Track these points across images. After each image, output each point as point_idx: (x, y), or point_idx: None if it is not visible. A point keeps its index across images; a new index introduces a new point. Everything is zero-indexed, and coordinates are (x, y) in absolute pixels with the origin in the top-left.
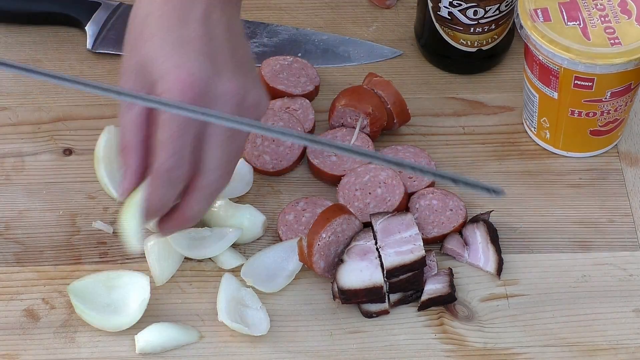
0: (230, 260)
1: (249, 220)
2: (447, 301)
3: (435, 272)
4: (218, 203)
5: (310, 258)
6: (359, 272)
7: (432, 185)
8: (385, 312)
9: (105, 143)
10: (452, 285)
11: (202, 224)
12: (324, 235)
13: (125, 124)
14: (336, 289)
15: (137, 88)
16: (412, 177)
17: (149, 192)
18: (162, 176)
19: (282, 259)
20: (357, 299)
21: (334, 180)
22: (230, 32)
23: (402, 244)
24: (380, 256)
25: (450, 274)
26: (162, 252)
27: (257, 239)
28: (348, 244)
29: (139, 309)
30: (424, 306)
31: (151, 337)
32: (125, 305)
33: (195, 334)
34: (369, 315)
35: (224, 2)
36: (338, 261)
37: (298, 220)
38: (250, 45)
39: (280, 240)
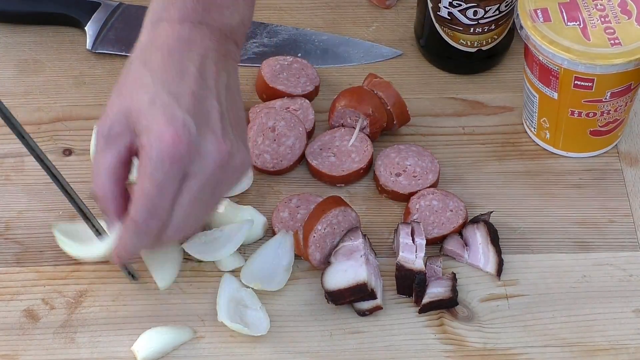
0: (229, 261)
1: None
2: (448, 305)
3: (439, 276)
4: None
5: (306, 250)
6: (344, 273)
7: (433, 185)
8: (378, 308)
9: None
10: (454, 289)
11: (208, 226)
12: (319, 227)
13: (100, 169)
14: (327, 289)
15: (118, 129)
16: (416, 176)
17: (120, 240)
18: (136, 227)
19: (275, 255)
20: (344, 299)
21: (332, 181)
22: (226, 89)
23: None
24: (365, 254)
25: (454, 278)
26: (160, 256)
27: (258, 240)
28: (336, 245)
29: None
30: (425, 309)
31: (149, 344)
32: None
33: (190, 332)
34: (362, 313)
35: (223, 55)
36: (326, 263)
37: (293, 217)
38: (242, 104)
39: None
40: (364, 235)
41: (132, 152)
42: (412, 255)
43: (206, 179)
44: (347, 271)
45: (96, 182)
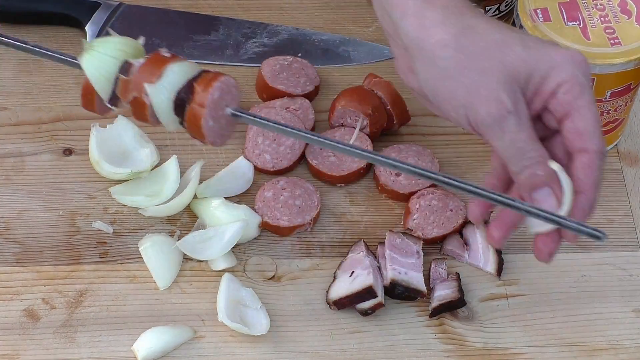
0: (222, 261)
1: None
2: (457, 306)
3: (444, 278)
4: (215, 202)
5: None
6: (349, 285)
7: (433, 185)
8: (380, 306)
9: (96, 143)
10: (460, 289)
11: (202, 225)
12: None
13: (530, 145)
14: (330, 299)
15: (515, 97)
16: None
17: (593, 177)
18: (604, 156)
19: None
20: (349, 304)
21: (332, 181)
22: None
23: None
24: (370, 265)
25: (458, 279)
26: (160, 255)
27: (253, 239)
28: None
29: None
30: (435, 312)
31: (149, 344)
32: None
33: (190, 332)
34: (364, 313)
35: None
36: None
37: (276, 198)
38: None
39: (262, 219)
40: (366, 245)
41: None
42: (384, 272)
43: None
44: (353, 282)
45: (534, 156)
